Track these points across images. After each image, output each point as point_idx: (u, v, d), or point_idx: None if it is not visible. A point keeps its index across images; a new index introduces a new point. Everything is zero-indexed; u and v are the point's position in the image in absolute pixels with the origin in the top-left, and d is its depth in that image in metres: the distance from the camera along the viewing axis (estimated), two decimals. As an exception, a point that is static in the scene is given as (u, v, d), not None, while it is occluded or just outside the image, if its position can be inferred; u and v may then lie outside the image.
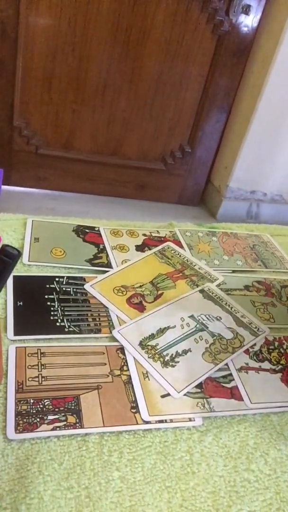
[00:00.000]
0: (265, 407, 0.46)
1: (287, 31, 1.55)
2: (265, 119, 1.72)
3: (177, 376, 0.47)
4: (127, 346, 0.49)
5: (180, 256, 0.66)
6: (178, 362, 0.48)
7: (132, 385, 0.45)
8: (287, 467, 0.42)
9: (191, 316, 0.55)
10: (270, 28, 1.63)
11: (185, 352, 0.50)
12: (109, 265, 0.61)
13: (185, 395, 0.45)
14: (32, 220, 0.66)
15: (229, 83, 1.77)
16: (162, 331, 0.52)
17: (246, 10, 1.61)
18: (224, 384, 0.48)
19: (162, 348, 0.50)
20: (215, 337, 0.53)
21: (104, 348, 0.48)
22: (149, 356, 0.48)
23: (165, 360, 0.48)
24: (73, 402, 0.42)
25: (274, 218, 1.97)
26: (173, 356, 0.49)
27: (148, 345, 0.49)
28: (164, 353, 0.49)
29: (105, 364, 0.46)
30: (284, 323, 0.59)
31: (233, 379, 0.48)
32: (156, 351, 0.49)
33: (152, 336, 0.51)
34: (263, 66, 1.66)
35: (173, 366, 0.48)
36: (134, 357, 0.48)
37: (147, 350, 0.49)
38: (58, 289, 0.55)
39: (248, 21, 1.64)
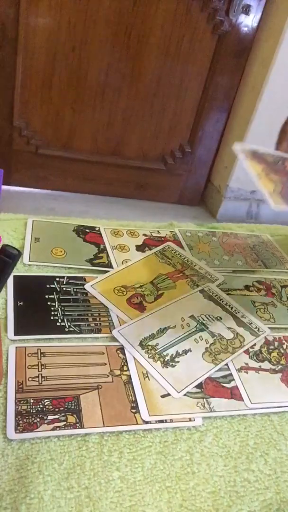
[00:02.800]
0: (265, 407, 0.46)
1: (287, 31, 1.55)
2: (265, 119, 1.72)
3: (177, 376, 0.47)
4: (127, 346, 0.49)
5: (180, 256, 0.66)
6: (178, 362, 0.48)
7: (132, 385, 0.45)
8: (287, 467, 0.42)
9: (191, 316, 0.55)
10: (270, 28, 1.63)
11: (185, 352, 0.50)
12: (109, 265, 0.61)
13: (185, 395, 0.45)
14: (33, 220, 0.66)
15: (229, 83, 1.77)
16: (162, 331, 0.52)
17: (246, 10, 1.62)
18: (224, 384, 0.48)
19: (162, 348, 0.50)
20: (215, 337, 0.53)
21: (104, 348, 0.48)
22: (149, 356, 0.48)
23: (165, 360, 0.48)
24: (73, 402, 0.42)
25: (274, 218, 1.96)
26: (173, 356, 0.49)
27: (148, 345, 0.49)
28: (164, 353, 0.49)
29: (105, 364, 0.46)
30: (284, 323, 0.59)
31: (233, 379, 0.48)
32: (156, 351, 0.49)
33: (152, 336, 0.51)
34: (263, 66, 1.66)
35: (173, 366, 0.48)
36: (134, 357, 0.48)
37: (147, 350, 0.49)
38: (58, 289, 0.55)
39: (248, 21, 1.64)
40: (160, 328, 0.52)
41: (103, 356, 0.47)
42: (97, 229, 0.68)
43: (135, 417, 0.42)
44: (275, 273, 0.69)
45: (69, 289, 0.55)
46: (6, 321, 0.49)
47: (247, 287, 0.64)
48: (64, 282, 0.56)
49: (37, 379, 0.43)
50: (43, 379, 0.43)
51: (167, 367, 0.47)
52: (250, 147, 0.51)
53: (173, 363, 0.48)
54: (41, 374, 0.44)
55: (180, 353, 0.49)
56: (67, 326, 0.50)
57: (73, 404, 0.42)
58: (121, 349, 0.49)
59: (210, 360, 0.50)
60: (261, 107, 1.70)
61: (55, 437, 0.39)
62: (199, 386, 0.47)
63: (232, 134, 1.85)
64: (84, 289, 0.56)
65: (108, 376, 0.45)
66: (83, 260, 0.61)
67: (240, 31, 1.66)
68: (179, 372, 0.47)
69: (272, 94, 1.67)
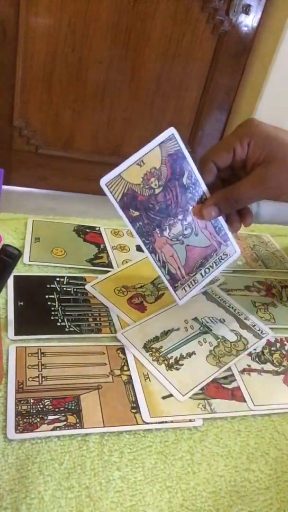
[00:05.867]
0: (268, 409, 0.46)
1: (287, 31, 1.55)
2: (265, 119, 1.72)
3: (181, 379, 0.47)
4: (132, 349, 0.48)
5: (180, 256, 0.66)
6: (183, 365, 0.48)
7: (133, 385, 0.45)
8: (288, 467, 0.42)
9: (195, 319, 0.55)
10: (270, 27, 1.63)
11: (189, 355, 0.50)
12: (109, 265, 0.61)
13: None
14: (33, 220, 0.66)
15: (229, 82, 1.77)
16: (166, 333, 0.52)
17: (246, 9, 1.62)
18: (225, 385, 0.48)
19: (166, 350, 0.49)
20: (219, 340, 0.53)
21: (104, 348, 0.48)
22: (154, 359, 0.48)
23: (170, 363, 0.48)
24: (73, 402, 0.42)
25: (274, 217, 1.97)
26: (177, 359, 0.49)
27: (153, 348, 0.49)
28: (169, 355, 0.49)
29: (106, 364, 0.46)
30: (285, 323, 0.59)
31: (234, 380, 0.48)
32: (161, 354, 0.49)
33: (156, 339, 0.51)
34: (263, 65, 1.66)
35: (177, 369, 0.48)
36: (138, 360, 0.47)
37: (151, 353, 0.49)
38: (58, 289, 0.55)
39: (248, 21, 1.64)
40: (164, 331, 0.52)
41: (103, 356, 0.47)
42: (97, 229, 0.68)
43: (135, 417, 0.42)
44: (275, 273, 0.69)
45: (69, 289, 0.55)
46: (7, 321, 0.49)
47: (247, 288, 0.64)
48: (64, 282, 0.56)
49: (37, 379, 0.43)
50: (43, 379, 0.43)
51: (172, 370, 0.47)
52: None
53: (178, 366, 0.48)
54: (41, 374, 0.44)
55: (184, 356, 0.49)
56: (67, 326, 0.50)
57: (73, 404, 0.41)
58: (122, 349, 0.49)
59: (214, 363, 0.49)
60: (261, 107, 1.70)
61: (55, 437, 0.39)
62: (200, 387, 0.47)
63: (232, 134, 1.85)
64: (84, 289, 0.56)
65: (108, 376, 0.45)
66: (83, 260, 0.61)
67: (240, 31, 1.66)
68: (183, 375, 0.47)
69: (272, 94, 1.67)
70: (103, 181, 0.43)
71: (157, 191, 0.45)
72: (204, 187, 0.49)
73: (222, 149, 0.48)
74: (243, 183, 0.47)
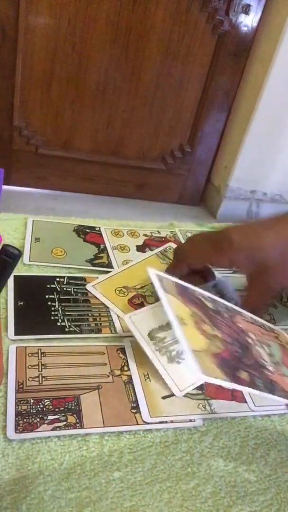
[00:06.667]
0: (269, 409, 0.46)
1: (287, 31, 1.55)
2: (265, 119, 1.72)
3: (181, 374, 0.47)
4: (136, 335, 0.48)
5: (180, 256, 0.66)
6: (184, 359, 0.48)
7: (133, 385, 0.45)
8: (288, 467, 0.42)
9: None
10: (270, 27, 1.63)
11: None
12: (109, 265, 0.61)
13: (186, 396, 0.45)
14: (33, 220, 0.66)
15: (229, 82, 1.77)
16: (169, 325, 0.51)
17: (246, 9, 1.62)
18: (225, 385, 0.47)
19: (169, 342, 0.49)
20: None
21: (104, 348, 0.48)
22: (156, 348, 0.48)
23: (171, 355, 0.48)
24: (73, 402, 0.42)
25: (274, 218, 1.97)
26: (180, 352, 0.49)
27: (157, 337, 0.49)
28: (171, 348, 0.49)
29: (106, 364, 0.46)
30: (284, 324, 0.59)
31: (234, 379, 0.48)
32: (164, 344, 0.49)
33: (161, 328, 0.50)
34: (263, 65, 1.66)
35: (178, 362, 0.48)
36: (142, 347, 0.47)
37: (155, 341, 0.48)
38: (58, 289, 0.55)
39: (248, 21, 1.64)
40: (168, 322, 0.52)
41: (103, 356, 0.47)
42: (97, 229, 0.68)
43: (135, 417, 0.42)
44: (275, 273, 0.69)
45: (69, 289, 0.55)
46: (7, 321, 0.49)
47: (247, 288, 0.63)
48: (65, 282, 0.56)
49: (37, 379, 0.43)
50: (43, 379, 0.43)
51: (172, 363, 0.47)
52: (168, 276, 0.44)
53: (179, 360, 0.48)
54: (41, 374, 0.44)
55: None
56: (67, 326, 0.50)
57: (73, 404, 0.41)
58: (122, 349, 0.49)
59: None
60: (261, 106, 1.70)
61: (55, 437, 0.39)
62: (200, 387, 0.47)
63: (232, 133, 1.86)
64: (85, 289, 0.56)
65: (108, 376, 0.45)
66: (83, 260, 0.61)
67: (240, 31, 1.66)
68: (183, 370, 0.47)
69: (272, 94, 1.67)
70: None
71: None
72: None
73: (199, 262, 0.54)
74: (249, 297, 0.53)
